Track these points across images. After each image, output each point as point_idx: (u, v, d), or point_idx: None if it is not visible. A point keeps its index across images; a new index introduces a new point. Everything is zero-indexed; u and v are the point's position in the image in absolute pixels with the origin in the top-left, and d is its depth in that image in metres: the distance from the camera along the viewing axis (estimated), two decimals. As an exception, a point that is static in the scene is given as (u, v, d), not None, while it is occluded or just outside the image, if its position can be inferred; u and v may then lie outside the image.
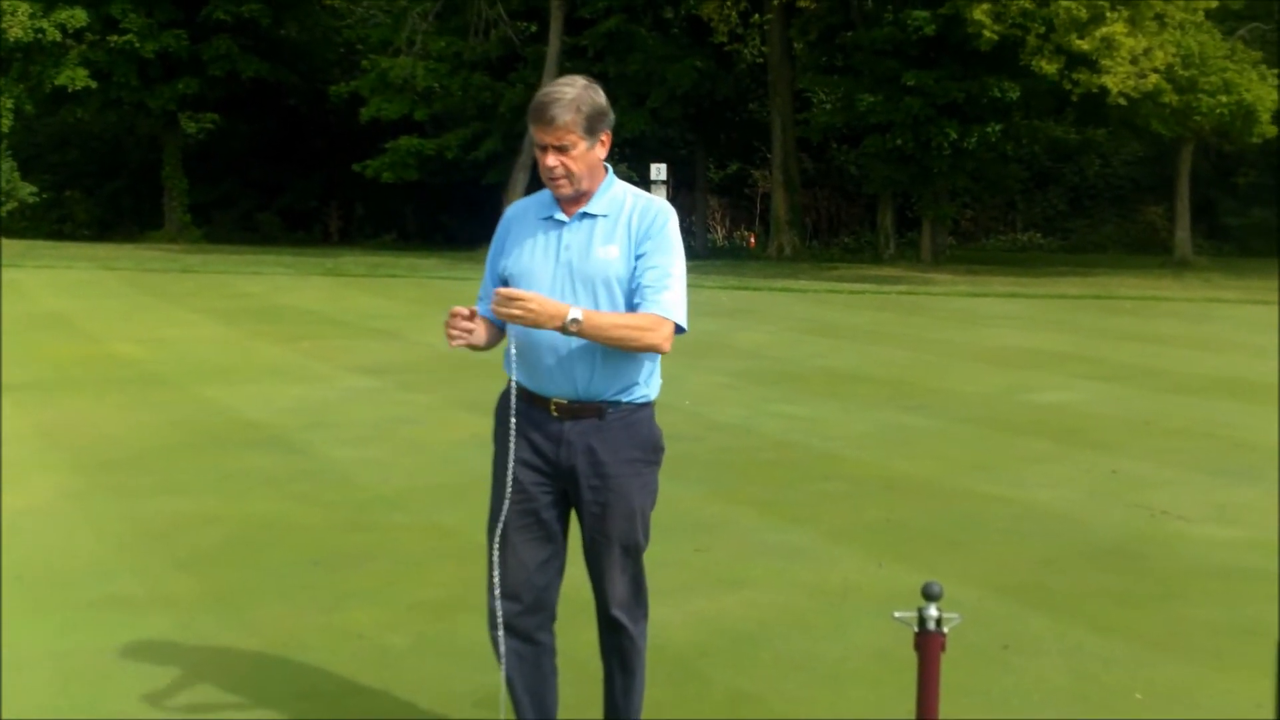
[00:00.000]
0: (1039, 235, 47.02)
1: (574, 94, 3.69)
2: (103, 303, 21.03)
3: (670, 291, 3.75)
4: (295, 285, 25.08)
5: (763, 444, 9.80)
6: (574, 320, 3.60)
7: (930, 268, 33.95)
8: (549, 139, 3.69)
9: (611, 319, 3.70)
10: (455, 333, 3.68)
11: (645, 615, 4.02)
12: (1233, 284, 28.22)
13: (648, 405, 3.89)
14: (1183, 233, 36.38)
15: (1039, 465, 9.05)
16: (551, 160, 3.71)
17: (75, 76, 39.03)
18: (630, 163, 45.62)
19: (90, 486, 8.14)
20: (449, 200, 44.38)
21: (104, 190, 47.83)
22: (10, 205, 41.48)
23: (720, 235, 48.11)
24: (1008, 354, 15.57)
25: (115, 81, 40.63)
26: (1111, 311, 21.81)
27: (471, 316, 3.71)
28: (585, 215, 3.79)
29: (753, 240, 45.74)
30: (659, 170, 33.69)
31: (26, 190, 42.02)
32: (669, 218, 3.83)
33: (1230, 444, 9.88)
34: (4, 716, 4.50)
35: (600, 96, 3.75)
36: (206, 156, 47.23)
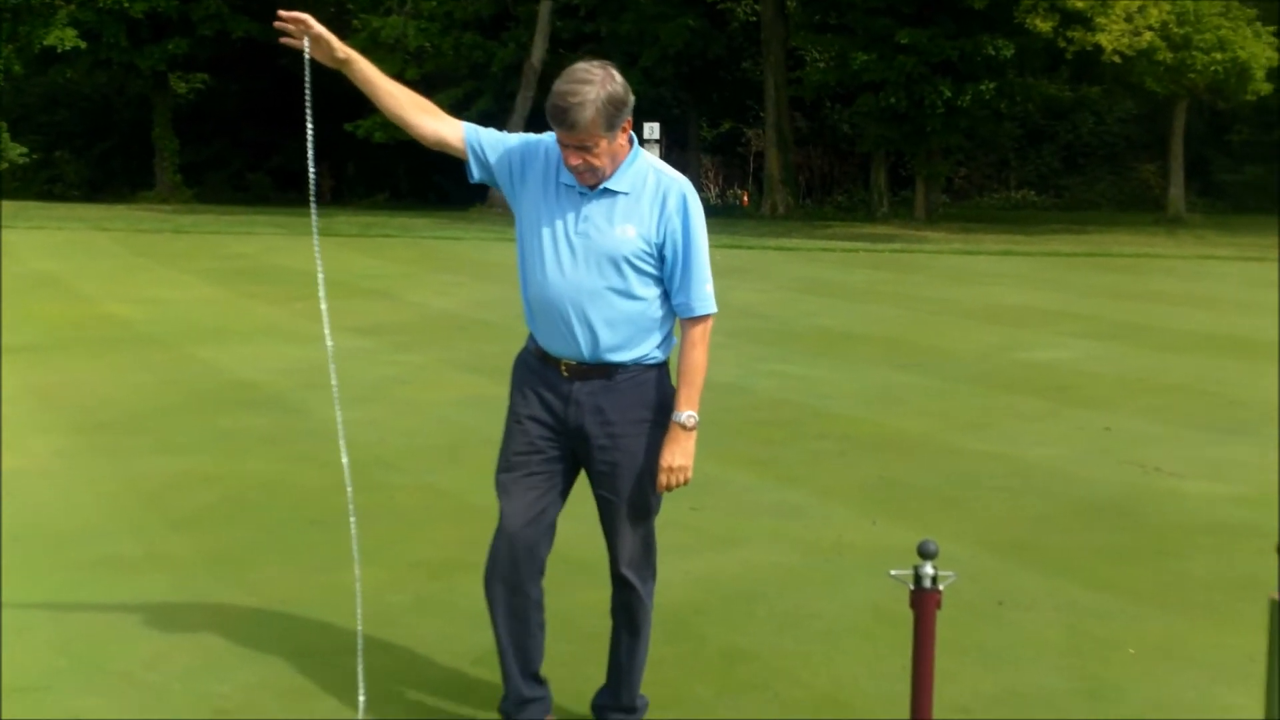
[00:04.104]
0: (1032, 193, 46.93)
1: (593, 94, 3.60)
2: (95, 264, 20.98)
3: (703, 285, 3.85)
4: (288, 246, 25.02)
5: (757, 403, 9.82)
6: (689, 417, 3.84)
7: (924, 226, 33.91)
8: (571, 141, 3.66)
9: (693, 381, 3.86)
10: (288, 33, 3.75)
11: (653, 575, 4.07)
12: (1226, 241, 28.23)
13: (658, 366, 3.92)
14: (1176, 190, 36.33)
15: (1033, 423, 9.08)
16: (575, 160, 3.69)
17: (64, 37, 38.75)
18: (623, 122, 45.30)
19: (86, 447, 8.15)
20: (441, 160, 43.78)
21: (94, 151, 47.60)
22: (1, 166, 41.28)
23: (713, 194, 48.00)
24: (1001, 312, 15.59)
25: (104, 42, 40.33)
26: (1105, 269, 21.83)
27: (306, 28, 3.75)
28: (606, 191, 3.77)
29: (746, 199, 45.65)
30: (652, 129, 33.56)
31: (16, 151, 41.79)
32: (692, 201, 3.82)
33: (1223, 401, 9.91)
34: (5, 678, 4.52)
35: (617, 84, 3.67)
36: (197, 117, 46.99)
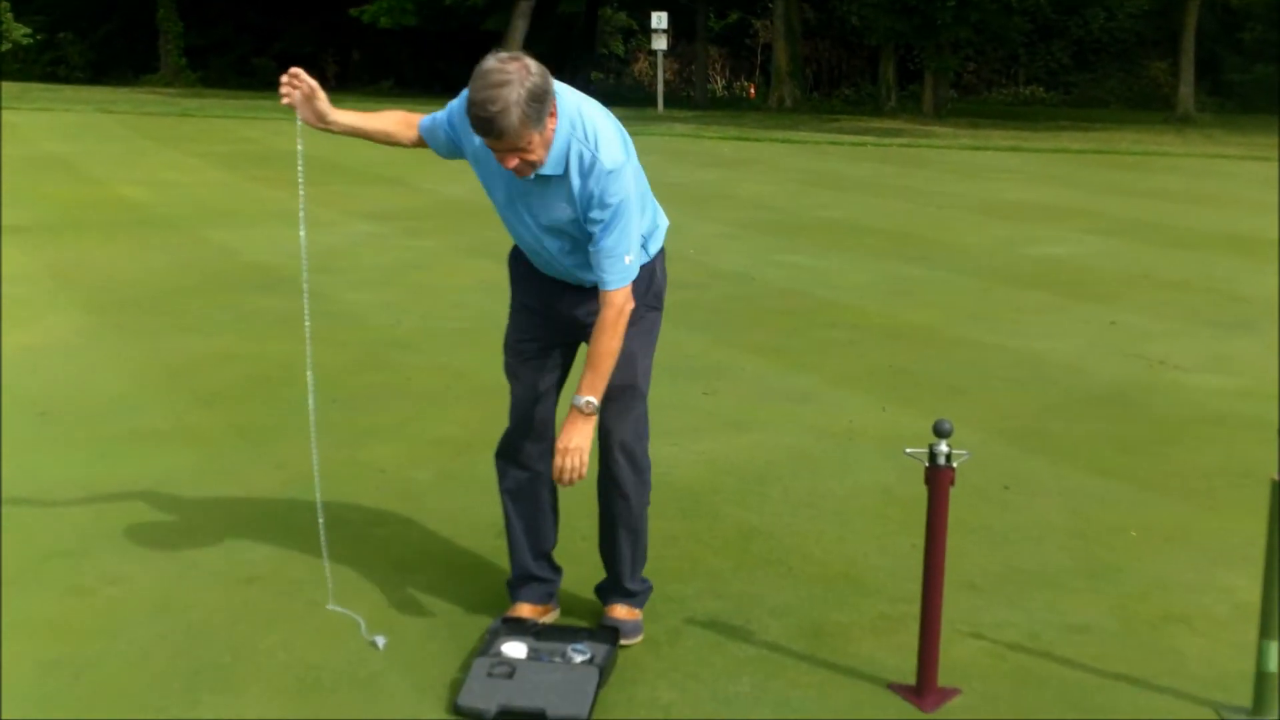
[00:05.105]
0: (1041, 89, 46.65)
1: (513, 95, 3.37)
2: (103, 146, 20.96)
3: (620, 260, 3.66)
4: (294, 131, 24.93)
5: (766, 292, 9.92)
6: (587, 403, 3.67)
7: (931, 120, 33.76)
8: (503, 148, 3.49)
9: (598, 368, 3.68)
10: (286, 89, 3.94)
11: (646, 462, 4.04)
12: (1234, 140, 28.11)
13: (648, 260, 3.91)
14: (1186, 88, 36.07)
15: (1039, 316, 9.18)
16: (512, 162, 3.53)
17: (67, -86, 38.37)
18: (630, 11, 44.96)
19: (106, 325, 8.27)
20: (447, 47, 43.84)
21: (98, 33, 47.20)
22: (4, 47, 40.98)
23: (720, 85, 47.70)
24: (1008, 207, 15.62)
25: (108, -80, 39.94)
26: (1112, 166, 21.79)
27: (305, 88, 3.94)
28: (540, 177, 3.65)
29: (753, 91, 45.37)
30: (659, 19, 33.32)
31: (20, 31, 41.52)
32: (612, 183, 3.61)
33: (1227, 297, 10.00)
34: (39, 544, 4.68)
35: (534, 75, 3.42)
36: (201, -1, 46.58)
